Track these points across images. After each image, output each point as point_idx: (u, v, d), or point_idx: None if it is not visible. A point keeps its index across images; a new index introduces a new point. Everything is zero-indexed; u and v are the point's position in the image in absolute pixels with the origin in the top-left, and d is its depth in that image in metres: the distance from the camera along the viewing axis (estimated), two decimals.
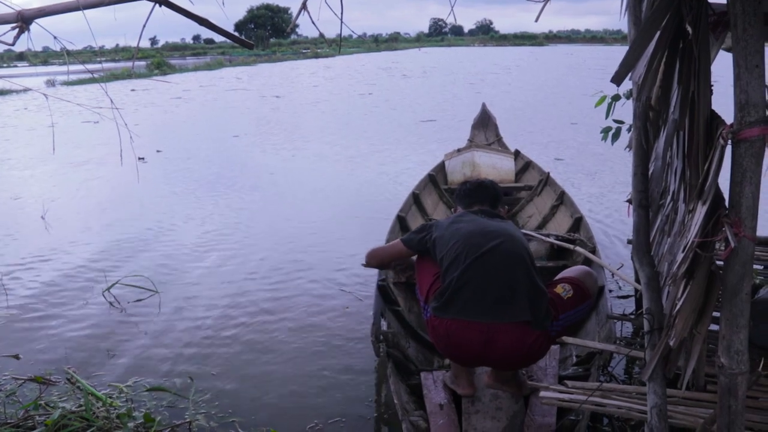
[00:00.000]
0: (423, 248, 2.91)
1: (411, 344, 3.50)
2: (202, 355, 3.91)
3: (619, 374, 3.48)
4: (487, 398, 2.86)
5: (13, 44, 1.59)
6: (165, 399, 3.39)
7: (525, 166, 7.13)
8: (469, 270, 2.61)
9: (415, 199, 5.92)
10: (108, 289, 4.89)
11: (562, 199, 5.64)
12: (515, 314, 2.55)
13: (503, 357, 2.62)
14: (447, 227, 2.83)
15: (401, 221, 5.20)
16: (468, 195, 3.11)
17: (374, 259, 3.14)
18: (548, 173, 6.35)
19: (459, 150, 7.22)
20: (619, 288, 4.60)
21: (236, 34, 2.03)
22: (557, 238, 4.67)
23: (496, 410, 2.79)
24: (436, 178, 6.74)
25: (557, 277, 2.93)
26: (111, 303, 4.72)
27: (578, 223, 4.96)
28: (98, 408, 3.20)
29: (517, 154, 7.48)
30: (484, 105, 8.97)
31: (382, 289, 3.68)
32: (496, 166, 6.92)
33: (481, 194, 3.09)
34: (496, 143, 8.03)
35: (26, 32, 1.71)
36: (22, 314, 4.58)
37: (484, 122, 8.61)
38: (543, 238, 4.64)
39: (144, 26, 1.63)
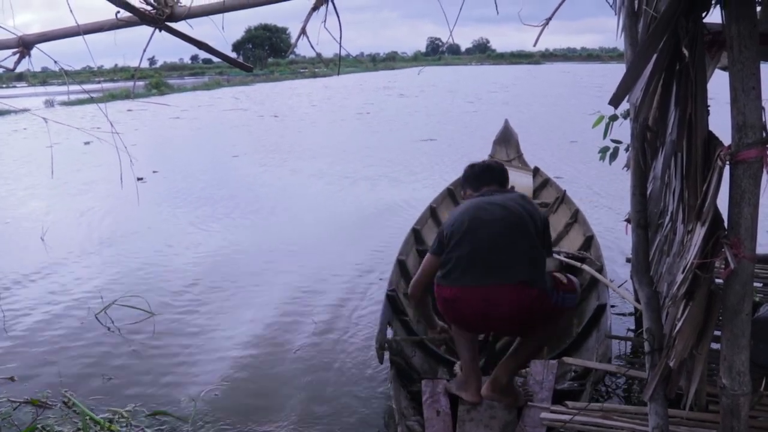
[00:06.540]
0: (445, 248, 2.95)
1: (417, 353, 3.56)
2: (203, 378, 3.87)
3: (620, 394, 3.46)
4: (483, 407, 2.97)
5: (14, 69, 1.60)
6: (166, 423, 3.35)
7: (543, 183, 7.15)
8: (468, 240, 2.78)
9: (432, 212, 5.94)
10: (104, 310, 4.86)
11: (576, 217, 5.67)
12: (513, 276, 2.73)
13: (506, 317, 2.77)
14: (454, 216, 2.96)
15: (416, 234, 5.19)
16: (477, 178, 3.21)
17: (415, 287, 3.14)
18: (564, 191, 6.39)
19: None
20: (623, 305, 4.58)
21: (234, 55, 2.04)
22: (567, 255, 4.73)
23: (490, 419, 2.89)
24: (454, 192, 6.72)
25: None
26: (106, 325, 4.69)
27: (589, 241, 5.01)
28: None
29: (536, 171, 7.48)
30: (506, 121, 8.84)
31: (391, 299, 3.71)
32: (514, 183, 6.85)
33: (488, 176, 3.19)
34: (517, 160, 8.03)
35: (27, 56, 1.72)
36: (18, 335, 4.55)
37: (506, 139, 8.55)
38: (553, 255, 4.67)
39: (144, 51, 1.64)
